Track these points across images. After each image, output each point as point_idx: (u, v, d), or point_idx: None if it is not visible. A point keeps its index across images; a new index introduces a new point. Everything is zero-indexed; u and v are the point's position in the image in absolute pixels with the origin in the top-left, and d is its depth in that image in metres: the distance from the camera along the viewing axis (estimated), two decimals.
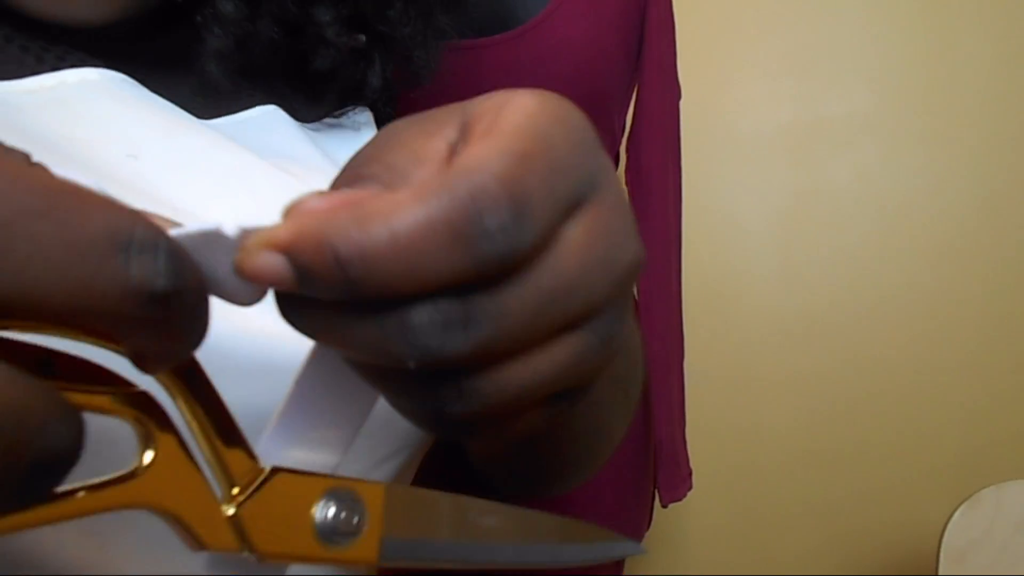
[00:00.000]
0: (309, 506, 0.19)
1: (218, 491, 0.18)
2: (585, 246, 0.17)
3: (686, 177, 0.86)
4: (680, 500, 0.81)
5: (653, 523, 0.84)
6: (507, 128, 0.17)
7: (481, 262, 0.15)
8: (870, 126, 1.25)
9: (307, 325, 0.17)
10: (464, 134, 0.18)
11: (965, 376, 1.24)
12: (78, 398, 0.15)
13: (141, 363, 0.16)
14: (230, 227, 0.16)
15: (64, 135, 0.28)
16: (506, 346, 0.17)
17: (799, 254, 1.26)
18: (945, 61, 1.23)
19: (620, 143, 0.82)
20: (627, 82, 0.77)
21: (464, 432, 0.18)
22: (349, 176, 0.19)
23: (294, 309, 0.17)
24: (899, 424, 1.26)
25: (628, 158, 0.80)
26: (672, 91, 0.80)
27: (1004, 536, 0.86)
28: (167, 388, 0.17)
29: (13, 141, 0.25)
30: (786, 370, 1.27)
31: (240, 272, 0.16)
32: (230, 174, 0.32)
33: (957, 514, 0.87)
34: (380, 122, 0.44)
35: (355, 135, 0.41)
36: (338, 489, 0.19)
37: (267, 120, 0.37)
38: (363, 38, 0.38)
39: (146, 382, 0.17)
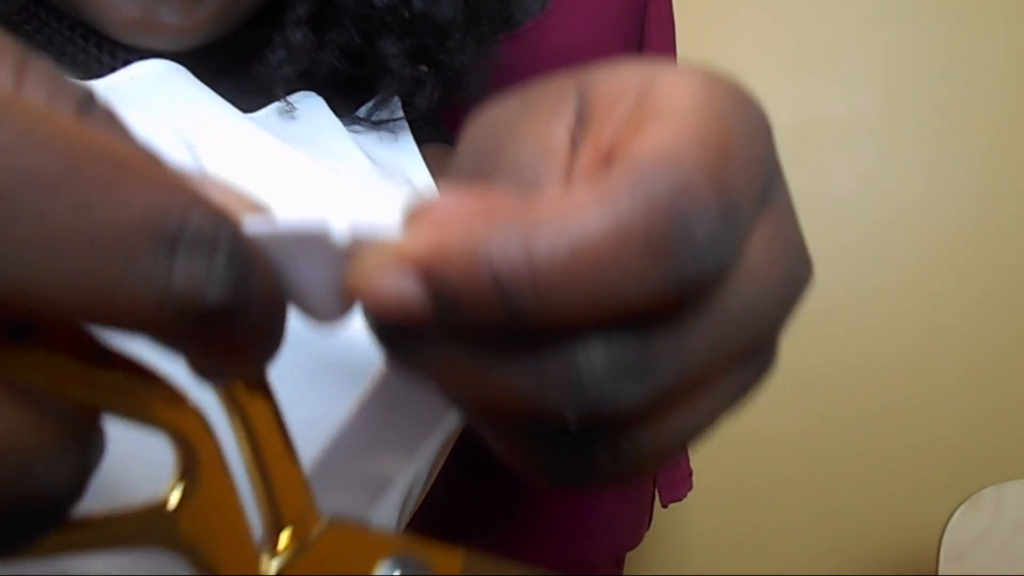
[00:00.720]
0: (369, 569, 0.16)
1: (262, 540, 0.15)
2: (768, 263, 0.14)
3: None
4: (680, 500, 0.81)
5: (653, 523, 0.84)
6: (684, 111, 0.13)
7: (683, 284, 0.12)
8: (870, 126, 1.24)
9: (425, 365, 0.13)
10: (586, 121, 0.15)
11: (965, 376, 1.24)
12: (105, 398, 0.12)
13: (193, 371, 0.13)
14: (339, 230, 0.13)
15: (137, 130, 0.29)
16: (679, 392, 0.13)
17: None
18: (945, 61, 1.23)
19: None
20: None
21: (589, 486, 0.14)
22: (468, 172, 0.15)
23: (405, 342, 0.13)
24: (899, 424, 1.25)
25: None
26: None
27: (1004, 536, 0.86)
28: (222, 400, 0.14)
29: None
30: (786, 370, 1.26)
31: (354, 293, 0.12)
32: (278, 167, 0.32)
33: (957, 514, 0.87)
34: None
35: (392, 138, 0.41)
36: (407, 553, 0.16)
37: (304, 108, 0.37)
38: (426, 69, 0.39)
39: (192, 383, 0.13)
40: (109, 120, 0.13)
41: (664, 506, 0.80)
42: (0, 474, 0.10)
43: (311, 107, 0.37)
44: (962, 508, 0.87)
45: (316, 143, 0.35)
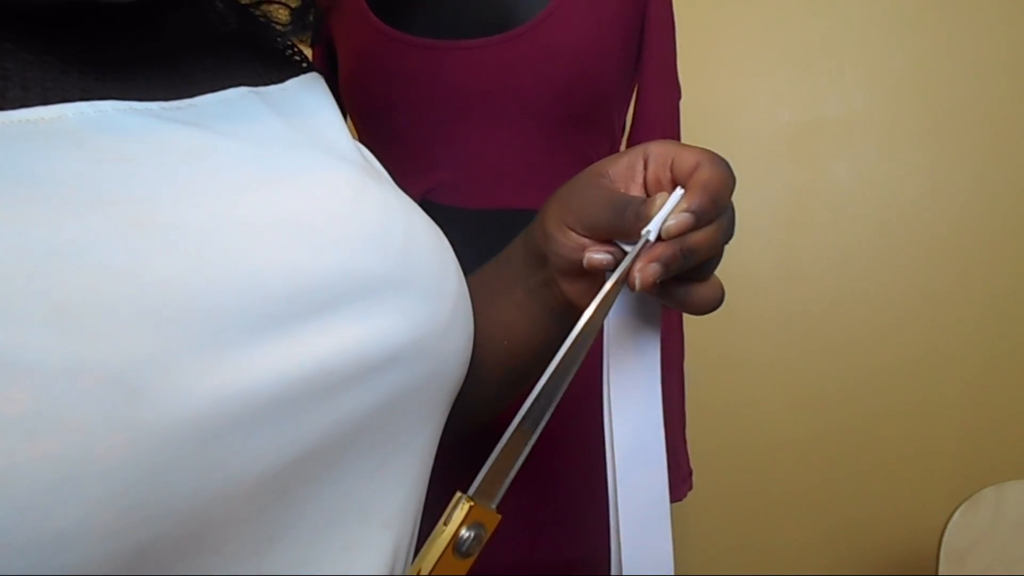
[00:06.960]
0: (459, 530, 0.31)
1: None
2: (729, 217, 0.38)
3: None
4: (680, 500, 0.81)
5: None
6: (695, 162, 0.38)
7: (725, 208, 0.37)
8: (870, 126, 1.25)
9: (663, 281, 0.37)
10: (648, 161, 0.40)
11: (965, 377, 1.24)
12: None
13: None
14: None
15: (58, 167, 0.26)
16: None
17: (799, 253, 1.26)
18: (945, 61, 1.23)
19: (620, 143, 0.82)
20: (627, 82, 0.77)
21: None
22: (599, 177, 0.40)
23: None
24: (899, 424, 1.26)
25: None
26: (672, 91, 0.80)
27: (1004, 536, 0.86)
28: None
29: None
30: (787, 370, 1.27)
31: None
32: (225, 186, 0.31)
33: (957, 514, 0.87)
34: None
35: (313, 90, 0.43)
36: (476, 521, 0.31)
37: (239, 102, 0.37)
38: None
39: None
40: None
41: None
42: None
43: (245, 99, 0.37)
44: (962, 508, 0.87)
45: (252, 134, 0.35)
